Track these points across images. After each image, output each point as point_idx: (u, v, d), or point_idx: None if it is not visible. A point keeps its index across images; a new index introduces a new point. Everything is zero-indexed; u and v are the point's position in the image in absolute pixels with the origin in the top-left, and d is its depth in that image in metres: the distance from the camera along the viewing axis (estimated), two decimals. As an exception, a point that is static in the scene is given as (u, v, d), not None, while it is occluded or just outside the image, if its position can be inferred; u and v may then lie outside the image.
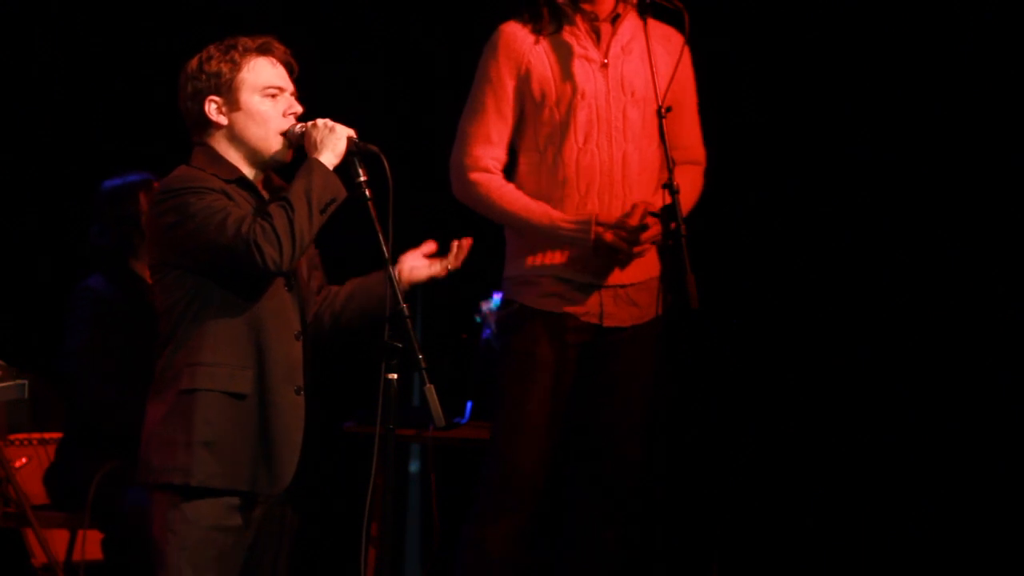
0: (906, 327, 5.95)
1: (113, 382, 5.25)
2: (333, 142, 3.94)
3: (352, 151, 3.95)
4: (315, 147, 3.94)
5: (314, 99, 4.15)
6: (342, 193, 3.92)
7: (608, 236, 4.62)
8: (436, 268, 4.22)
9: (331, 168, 3.92)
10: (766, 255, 6.09)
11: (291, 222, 3.86)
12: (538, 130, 4.72)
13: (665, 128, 4.70)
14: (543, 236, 4.70)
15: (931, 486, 5.89)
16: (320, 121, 3.97)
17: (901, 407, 5.94)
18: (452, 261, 4.20)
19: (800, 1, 6.01)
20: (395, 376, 3.88)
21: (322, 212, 3.89)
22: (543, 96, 4.70)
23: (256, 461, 3.92)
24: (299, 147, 4.00)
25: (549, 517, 4.92)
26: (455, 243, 4.22)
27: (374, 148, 3.94)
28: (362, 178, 3.95)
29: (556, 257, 4.71)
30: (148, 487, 3.98)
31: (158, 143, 5.98)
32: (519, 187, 4.76)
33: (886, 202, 5.98)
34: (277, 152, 4.01)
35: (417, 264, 4.22)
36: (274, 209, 3.87)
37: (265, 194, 4.05)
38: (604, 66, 4.71)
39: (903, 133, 5.96)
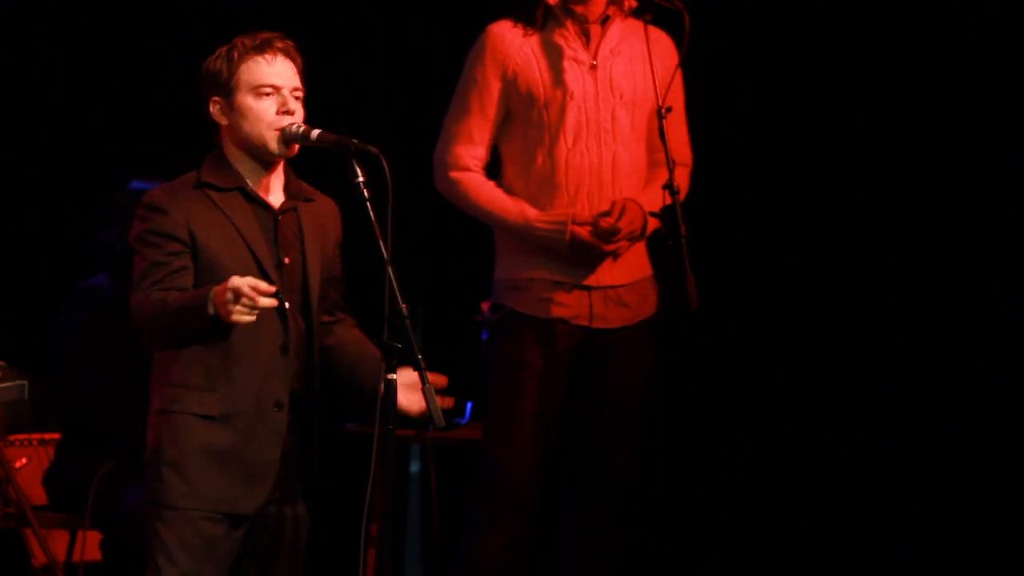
0: (902, 327, 5.95)
1: (111, 383, 5.25)
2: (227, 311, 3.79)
3: (352, 152, 3.95)
4: (221, 309, 3.80)
5: (312, 98, 4.15)
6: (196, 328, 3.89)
7: (584, 234, 4.64)
8: (414, 407, 4.02)
9: (211, 320, 3.82)
10: (761, 255, 6.10)
11: (151, 324, 3.90)
12: (527, 131, 4.74)
13: (650, 130, 4.73)
14: (518, 235, 4.71)
15: (929, 485, 5.90)
16: (234, 289, 3.78)
17: (899, 407, 5.94)
18: (428, 412, 3.94)
19: (797, 1, 6.02)
20: (395, 376, 3.88)
21: (170, 333, 3.90)
22: (531, 97, 4.71)
23: (227, 481, 3.94)
24: (302, 144, 4.01)
25: (544, 520, 4.93)
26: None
27: (374, 149, 3.93)
28: (360, 179, 3.94)
29: (545, 258, 4.72)
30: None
31: (158, 143, 6.00)
32: (506, 187, 4.78)
33: (880, 202, 5.99)
34: (274, 149, 4.00)
35: (410, 393, 3.99)
36: (158, 302, 3.88)
37: (281, 197, 4.06)
38: (593, 68, 4.73)
39: (897, 134, 5.96)
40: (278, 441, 3.99)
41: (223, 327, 3.83)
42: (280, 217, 4.05)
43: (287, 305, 4.00)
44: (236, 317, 3.75)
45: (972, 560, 5.83)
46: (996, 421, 5.83)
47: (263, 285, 3.76)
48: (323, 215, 4.15)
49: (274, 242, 4.02)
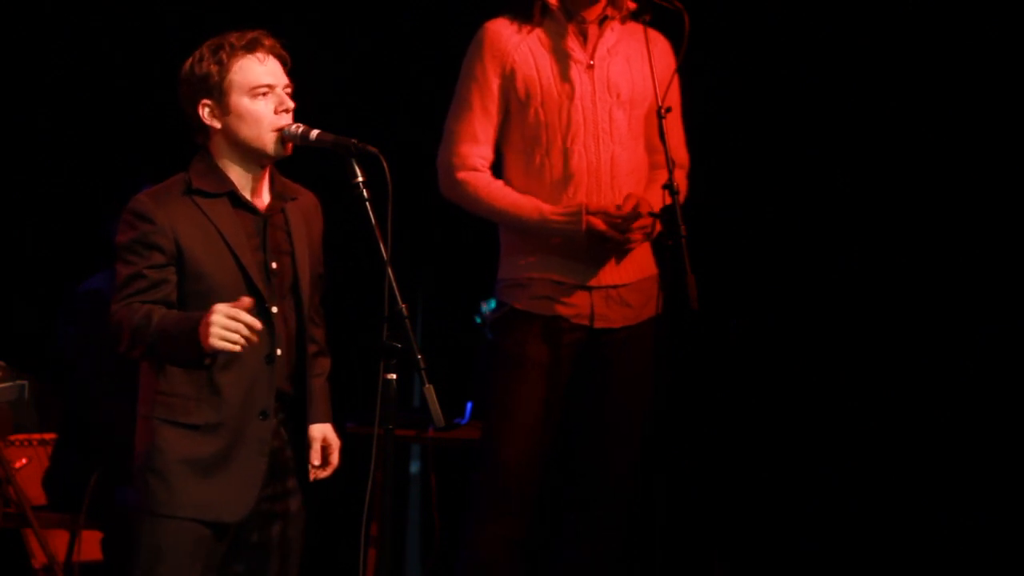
0: (903, 325, 5.95)
1: (108, 380, 5.25)
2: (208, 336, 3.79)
3: (351, 153, 3.94)
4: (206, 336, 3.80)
5: (313, 97, 4.15)
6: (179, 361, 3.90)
7: (599, 224, 4.63)
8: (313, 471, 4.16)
9: (195, 348, 3.81)
10: (762, 255, 6.10)
11: (133, 336, 3.85)
12: (524, 131, 4.72)
13: (648, 131, 4.72)
14: (534, 231, 4.70)
15: (930, 484, 5.89)
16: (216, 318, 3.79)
17: (902, 406, 5.94)
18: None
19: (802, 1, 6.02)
20: (394, 376, 3.87)
21: (152, 354, 3.88)
22: (528, 96, 4.70)
23: (210, 490, 3.93)
24: (297, 143, 4.00)
25: (546, 517, 4.92)
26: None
27: (373, 149, 3.91)
28: (360, 179, 3.93)
29: (547, 258, 4.71)
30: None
31: (159, 142, 6.00)
32: (507, 186, 4.76)
33: (880, 201, 5.99)
34: (274, 149, 3.97)
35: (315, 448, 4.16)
36: (143, 317, 3.84)
37: (267, 198, 4.05)
38: (590, 67, 4.72)
39: (898, 133, 5.96)
40: (263, 450, 3.98)
41: (203, 358, 3.80)
42: (268, 221, 4.03)
43: (275, 311, 3.98)
44: (213, 342, 3.74)
45: (972, 560, 5.83)
46: (1002, 422, 5.83)
47: (244, 316, 3.73)
48: (307, 211, 4.13)
49: (262, 248, 4.00)
